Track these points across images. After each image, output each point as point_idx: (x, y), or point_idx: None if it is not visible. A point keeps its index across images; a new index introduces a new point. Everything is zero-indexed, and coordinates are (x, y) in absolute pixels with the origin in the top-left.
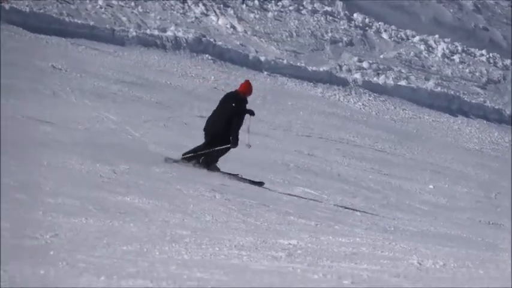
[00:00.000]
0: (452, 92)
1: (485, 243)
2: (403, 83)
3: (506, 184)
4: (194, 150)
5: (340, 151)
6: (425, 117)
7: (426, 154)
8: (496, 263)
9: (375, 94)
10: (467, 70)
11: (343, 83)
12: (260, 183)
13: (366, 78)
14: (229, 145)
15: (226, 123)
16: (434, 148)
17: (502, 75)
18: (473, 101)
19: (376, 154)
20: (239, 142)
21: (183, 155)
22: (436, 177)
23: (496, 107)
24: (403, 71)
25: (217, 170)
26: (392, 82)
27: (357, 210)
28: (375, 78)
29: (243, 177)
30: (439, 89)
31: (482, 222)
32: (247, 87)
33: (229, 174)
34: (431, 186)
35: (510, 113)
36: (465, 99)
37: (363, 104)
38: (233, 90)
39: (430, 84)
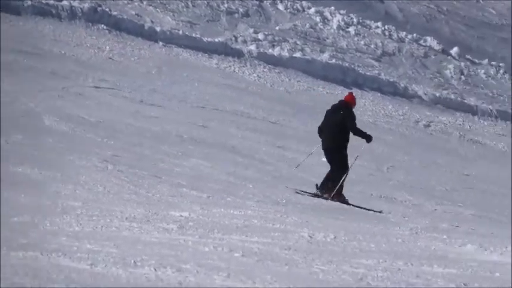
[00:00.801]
0: (347, 64)
1: (377, 216)
2: (298, 54)
3: (399, 157)
4: (327, 179)
5: (235, 123)
6: (320, 89)
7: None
8: (387, 236)
9: (269, 66)
10: (362, 42)
11: (238, 54)
12: (380, 212)
13: (261, 50)
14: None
15: (339, 133)
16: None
17: (396, 47)
18: (368, 74)
19: (270, 126)
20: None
21: (319, 189)
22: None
23: (391, 80)
24: (298, 42)
25: (346, 202)
26: (287, 54)
27: (249, 183)
28: (270, 50)
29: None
30: (333, 61)
31: (374, 196)
32: (351, 98)
33: (363, 208)
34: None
35: (404, 85)
36: (360, 71)
37: (257, 76)
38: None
39: (325, 56)
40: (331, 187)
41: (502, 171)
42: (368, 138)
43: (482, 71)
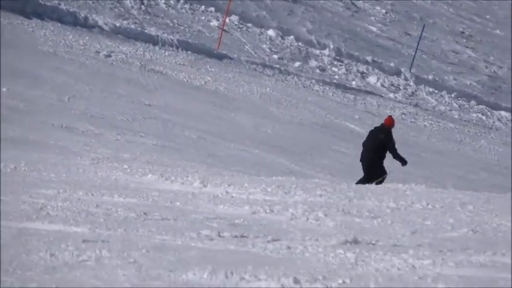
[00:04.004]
0: None
1: (58, 147)
2: None
3: (80, 87)
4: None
5: None
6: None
7: (5, 58)
8: (68, 166)
9: None
10: None
11: None
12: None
13: None
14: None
15: (378, 152)
16: (12, 52)
17: None
18: (48, 4)
19: None
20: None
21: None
22: (10, 81)
23: (71, 10)
24: None
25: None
26: None
27: None
28: None
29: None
30: None
31: (55, 126)
32: (391, 121)
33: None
34: (4, 89)
35: (84, 15)
36: (39, 1)
37: None
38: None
39: None
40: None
41: (184, 101)
42: (404, 162)
43: (162, 1)
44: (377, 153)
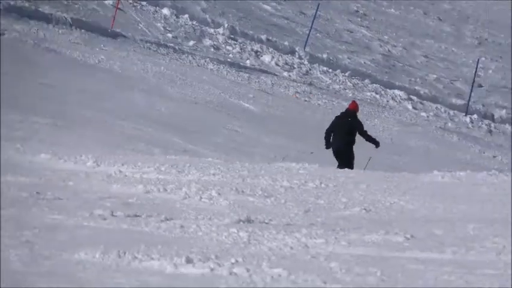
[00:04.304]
0: None
1: None
2: None
3: None
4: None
5: None
6: None
7: None
8: None
9: None
10: None
11: None
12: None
13: None
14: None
15: (347, 137)
16: None
17: None
18: None
19: None
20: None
21: None
22: None
23: None
24: None
25: None
26: None
27: None
28: None
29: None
30: None
31: None
32: (356, 106)
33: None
34: None
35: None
36: None
37: None
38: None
39: None
40: None
41: (77, 80)
42: (377, 144)
43: None
44: (348, 138)
